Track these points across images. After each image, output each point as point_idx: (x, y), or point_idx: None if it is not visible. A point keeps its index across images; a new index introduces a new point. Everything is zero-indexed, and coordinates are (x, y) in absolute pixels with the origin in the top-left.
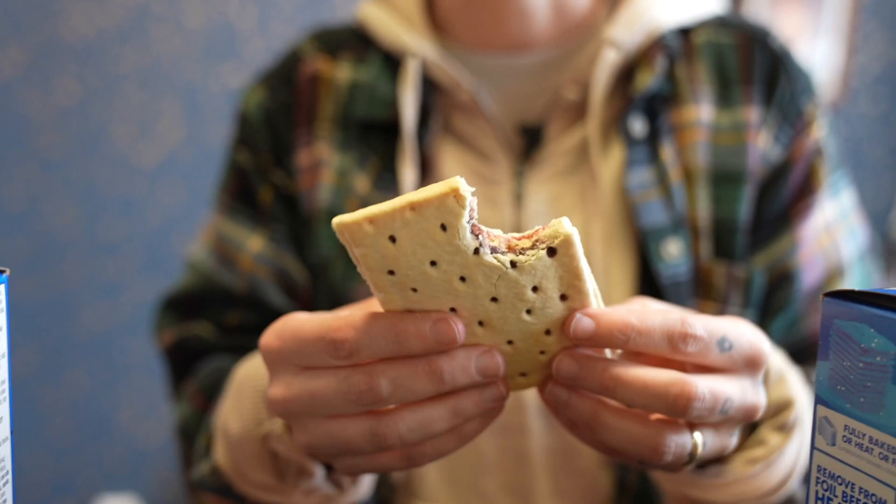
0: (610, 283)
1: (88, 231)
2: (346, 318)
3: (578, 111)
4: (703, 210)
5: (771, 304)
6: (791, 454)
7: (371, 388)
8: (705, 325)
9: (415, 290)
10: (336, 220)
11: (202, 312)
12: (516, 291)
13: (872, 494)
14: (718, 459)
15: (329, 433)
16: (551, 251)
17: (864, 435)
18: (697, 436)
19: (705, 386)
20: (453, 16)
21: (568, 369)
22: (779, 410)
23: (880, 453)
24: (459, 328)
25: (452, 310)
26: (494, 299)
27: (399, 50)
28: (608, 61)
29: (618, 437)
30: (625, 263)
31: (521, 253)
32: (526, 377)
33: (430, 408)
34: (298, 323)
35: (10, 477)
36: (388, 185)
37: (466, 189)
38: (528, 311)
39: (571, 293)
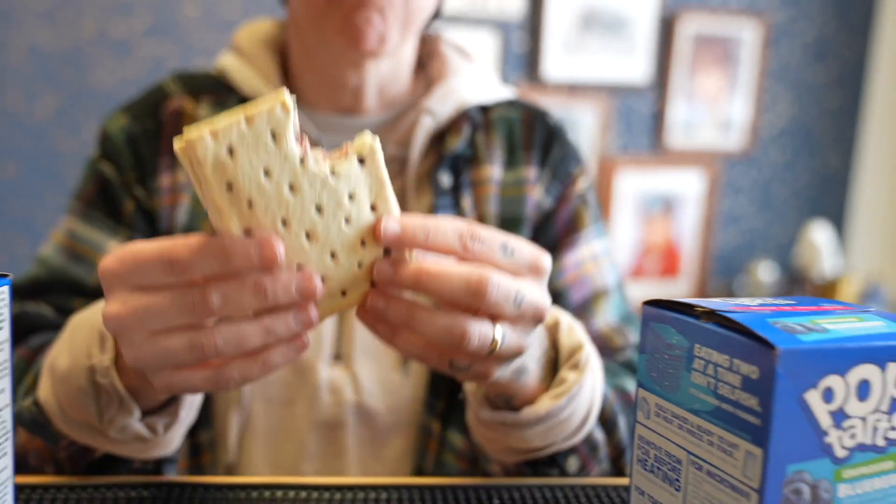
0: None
1: None
2: (181, 240)
3: (400, 164)
4: None
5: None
6: (587, 391)
7: (203, 300)
8: (489, 232)
9: (250, 204)
10: (179, 142)
11: (45, 297)
12: (336, 199)
13: (673, 455)
14: (530, 401)
15: (154, 346)
16: (361, 160)
17: (668, 410)
18: (497, 329)
19: (498, 277)
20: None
21: (385, 269)
22: (572, 353)
23: (678, 423)
24: (280, 249)
25: (284, 223)
26: (319, 209)
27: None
28: (425, 126)
29: (431, 329)
30: None
31: (338, 165)
32: (346, 296)
33: (245, 324)
34: (138, 247)
35: (10, 435)
36: None
37: (290, 99)
38: (347, 221)
39: (379, 203)
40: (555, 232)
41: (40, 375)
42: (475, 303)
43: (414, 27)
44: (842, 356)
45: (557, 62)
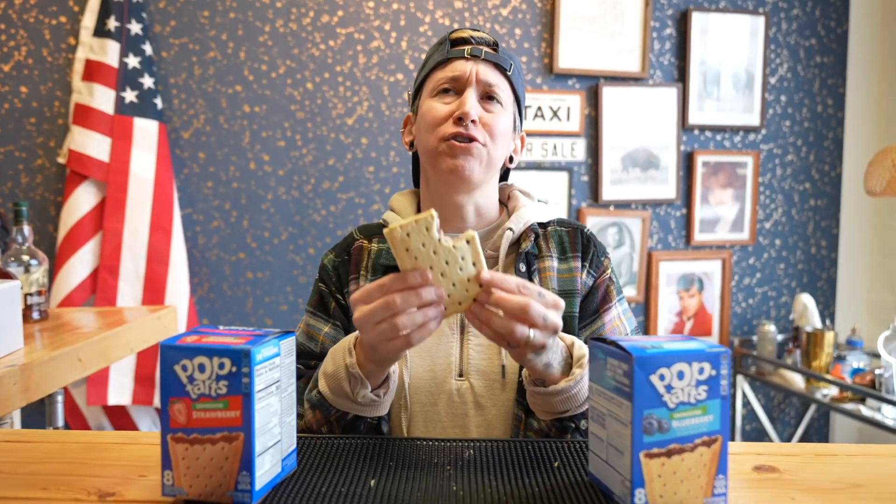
0: None
1: None
2: (388, 276)
3: (493, 261)
4: None
5: None
6: (586, 381)
7: (394, 301)
8: (533, 284)
9: (416, 258)
10: (387, 229)
11: (299, 360)
12: (455, 258)
13: (598, 409)
14: (555, 383)
15: (375, 330)
16: (468, 242)
17: (598, 390)
18: (531, 331)
19: (536, 304)
20: None
21: (482, 295)
22: (579, 359)
23: (602, 395)
24: (429, 275)
25: (431, 267)
26: (447, 262)
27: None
28: (507, 237)
29: (498, 326)
30: None
31: (456, 243)
32: (461, 305)
33: (414, 312)
34: (366, 285)
35: (294, 409)
36: None
37: (435, 214)
38: (461, 269)
39: (477, 263)
40: (596, 302)
41: (317, 379)
42: (522, 316)
43: (492, 169)
44: (667, 358)
45: (610, 188)
